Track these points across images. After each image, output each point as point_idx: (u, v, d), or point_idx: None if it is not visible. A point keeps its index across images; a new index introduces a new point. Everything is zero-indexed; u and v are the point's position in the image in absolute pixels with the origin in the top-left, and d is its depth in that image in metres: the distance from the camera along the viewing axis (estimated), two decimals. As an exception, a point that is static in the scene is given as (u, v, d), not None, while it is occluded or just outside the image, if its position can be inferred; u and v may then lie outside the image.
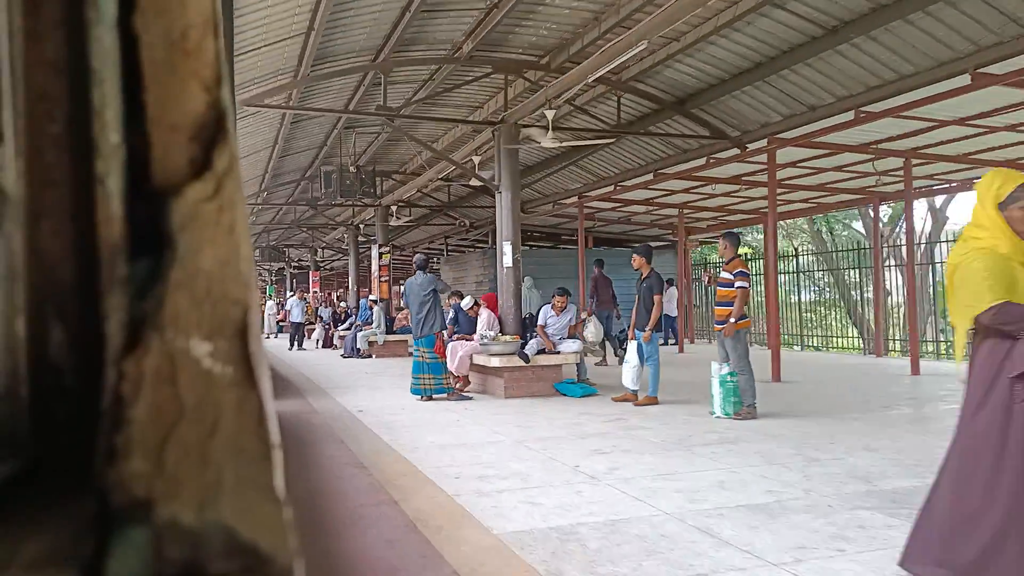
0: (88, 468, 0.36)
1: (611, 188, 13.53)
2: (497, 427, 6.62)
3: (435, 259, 23.83)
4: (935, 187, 13.19)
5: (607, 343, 11.60)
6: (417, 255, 9.41)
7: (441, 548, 3.40)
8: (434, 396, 8.46)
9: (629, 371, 7.69)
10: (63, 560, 0.34)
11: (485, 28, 8.74)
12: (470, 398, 8.68)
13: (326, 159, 14.85)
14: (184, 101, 0.37)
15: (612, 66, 7.39)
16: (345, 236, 21.26)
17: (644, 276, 7.73)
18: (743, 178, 11.72)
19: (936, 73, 7.33)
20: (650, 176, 12.23)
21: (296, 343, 18.33)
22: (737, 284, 6.76)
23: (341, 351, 16.06)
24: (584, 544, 3.43)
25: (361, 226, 19.43)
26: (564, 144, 9.89)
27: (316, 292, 25.30)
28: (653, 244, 11.79)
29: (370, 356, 14.75)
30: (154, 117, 0.37)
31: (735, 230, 10.50)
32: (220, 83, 0.37)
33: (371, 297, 16.21)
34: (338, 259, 28.12)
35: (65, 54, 0.38)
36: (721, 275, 7.00)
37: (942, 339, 15.21)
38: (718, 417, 6.73)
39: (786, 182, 12.09)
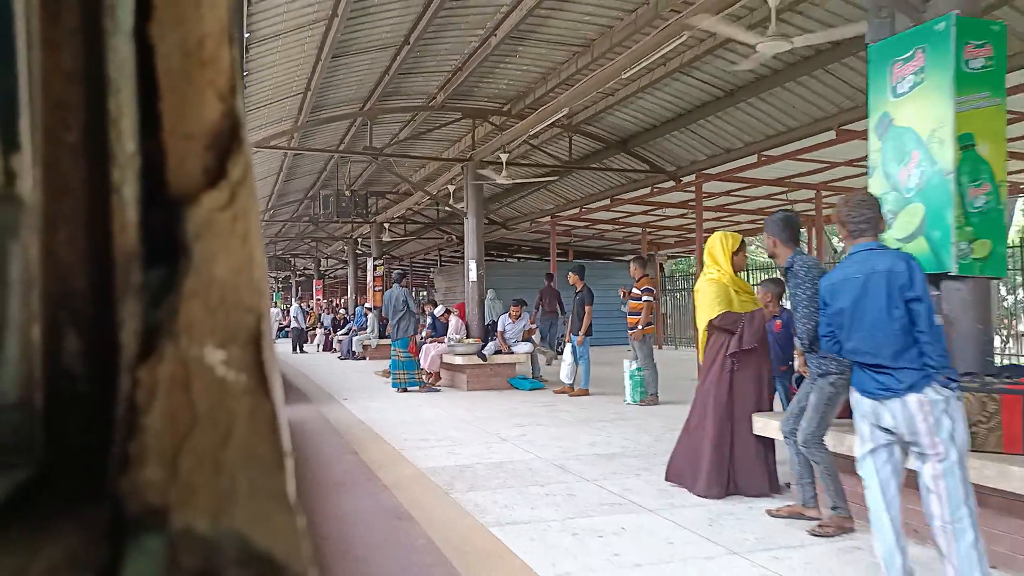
0: (103, 475, 0.36)
1: (577, 210, 15.72)
2: (450, 410, 8.13)
3: (431, 269, 25.70)
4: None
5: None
6: (395, 271, 11.18)
7: (379, 473, 5.20)
8: (408, 388, 9.94)
9: (565, 368, 9.16)
10: (78, 567, 0.34)
11: (454, 83, 10.53)
12: (438, 391, 10.10)
13: (325, 183, 16.73)
14: (199, 110, 0.37)
15: (554, 119, 9.19)
16: (345, 248, 23.01)
17: (578, 291, 9.14)
18: (688, 203, 13.80)
19: (811, 128, 9.31)
20: (607, 201, 14.56)
21: (298, 347, 19.75)
22: (644, 299, 8.25)
23: (339, 353, 17.37)
24: (475, 473, 5.08)
25: (359, 240, 20.91)
26: (516, 180, 12.22)
27: (319, 300, 27.09)
28: (628, 258, 15.20)
29: (364, 358, 16.05)
30: (169, 126, 0.37)
31: (644, 255, 14.16)
32: (235, 92, 0.38)
33: (366, 305, 17.67)
34: (340, 268, 29.58)
35: (82, 63, 0.38)
36: (632, 291, 8.47)
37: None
38: (628, 404, 8.26)
39: (726, 207, 14.72)
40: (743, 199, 14.04)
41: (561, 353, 9.78)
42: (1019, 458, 3.16)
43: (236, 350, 0.36)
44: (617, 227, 17.95)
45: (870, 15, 4.26)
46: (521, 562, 3.36)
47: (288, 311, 24.06)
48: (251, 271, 0.37)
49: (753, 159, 10.60)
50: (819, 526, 3.68)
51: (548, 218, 16.66)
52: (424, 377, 10.22)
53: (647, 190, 13.41)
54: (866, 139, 3.88)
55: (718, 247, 4.62)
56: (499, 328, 10.52)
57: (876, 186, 3.98)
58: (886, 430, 2.76)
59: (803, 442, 3.74)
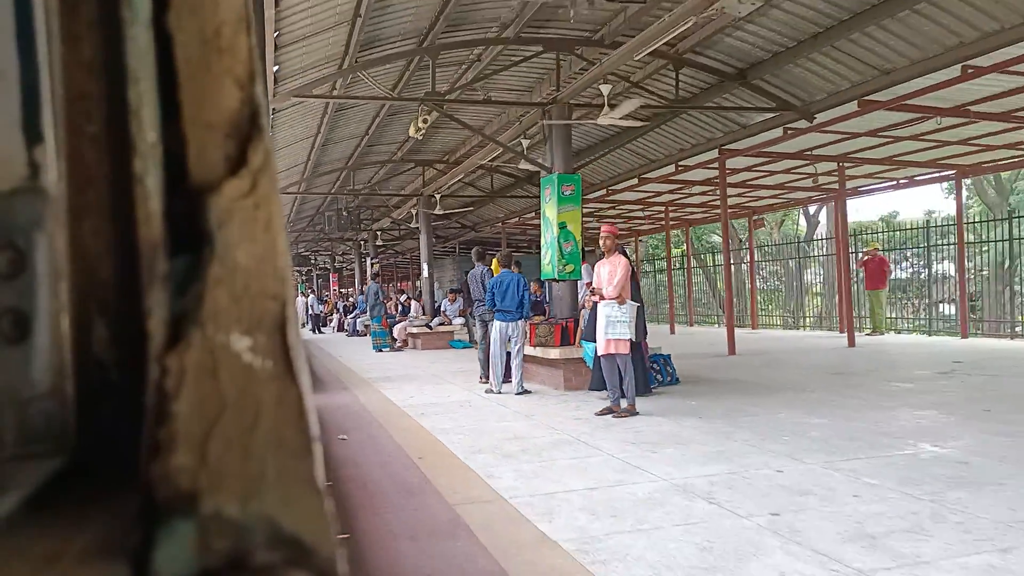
0: (133, 462, 0.36)
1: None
2: (405, 360, 13.57)
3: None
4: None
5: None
6: (373, 268, 19.01)
7: (354, 391, 9.07)
8: (382, 350, 15.87)
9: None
10: (111, 552, 0.34)
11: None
12: (401, 351, 16.02)
13: (330, 205, 21.35)
14: (219, 98, 0.37)
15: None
16: (351, 249, 28.91)
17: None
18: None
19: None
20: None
21: (317, 329, 26.26)
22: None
23: (347, 332, 22.98)
24: (404, 378, 10.21)
25: (362, 242, 25.96)
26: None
27: (336, 290, 33.23)
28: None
29: (365, 335, 20.15)
30: (190, 115, 0.37)
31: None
32: (254, 80, 0.38)
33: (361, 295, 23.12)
34: (353, 263, 33.65)
35: (102, 54, 0.39)
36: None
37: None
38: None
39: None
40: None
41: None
42: (555, 348, 8.65)
43: (262, 337, 0.36)
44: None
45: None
46: (409, 417, 7.27)
47: (308, 301, 28.69)
48: (274, 258, 0.37)
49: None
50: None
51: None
52: (391, 342, 16.24)
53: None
54: None
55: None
56: (442, 308, 16.79)
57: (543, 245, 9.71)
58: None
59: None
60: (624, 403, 6.66)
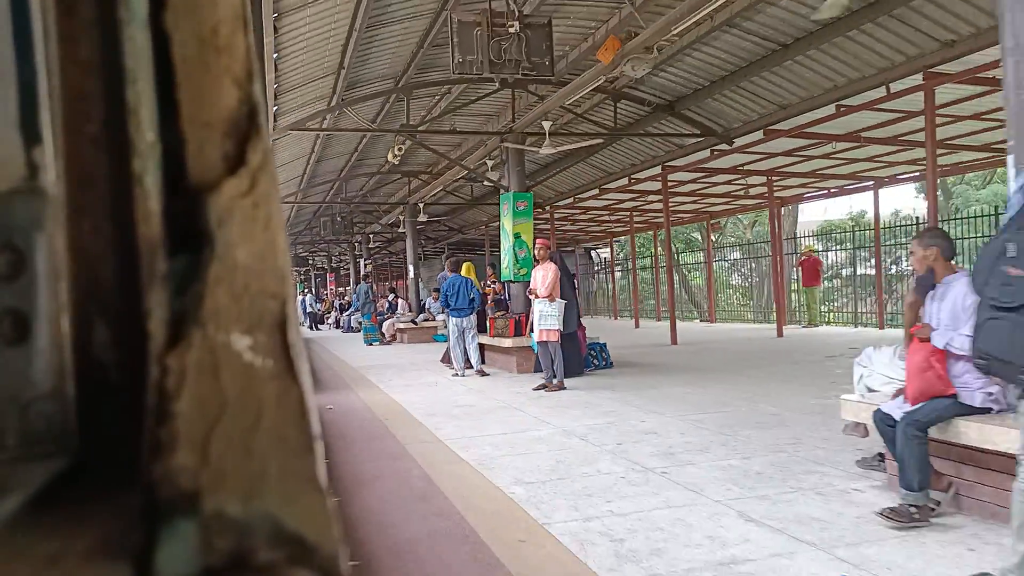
0: (135, 462, 0.36)
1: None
2: (391, 352, 15.33)
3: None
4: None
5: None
6: (364, 270, 21.52)
7: (348, 382, 10.14)
8: (372, 344, 17.50)
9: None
10: (113, 552, 0.34)
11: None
12: (389, 344, 17.60)
13: (325, 212, 23.63)
14: (217, 97, 0.37)
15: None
16: (347, 251, 31.43)
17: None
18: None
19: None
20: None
21: (314, 326, 28.09)
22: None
23: (342, 328, 24.38)
24: (389, 368, 11.64)
25: (356, 244, 27.97)
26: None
27: (332, 289, 34.98)
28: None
29: (358, 331, 21.29)
30: (188, 114, 0.37)
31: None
32: (252, 79, 0.38)
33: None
34: (348, 264, 36.27)
35: (99, 54, 0.38)
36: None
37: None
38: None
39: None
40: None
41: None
42: (509, 338, 10.17)
43: (262, 336, 0.36)
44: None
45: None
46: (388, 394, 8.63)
47: (305, 299, 30.38)
48: (274, 257, 0.37)
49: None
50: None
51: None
52: (379, 336, 17.90)
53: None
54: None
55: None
56: (427, 307, 18.38)
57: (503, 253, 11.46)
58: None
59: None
60: (555, 380, 8.38)
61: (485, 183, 15.05)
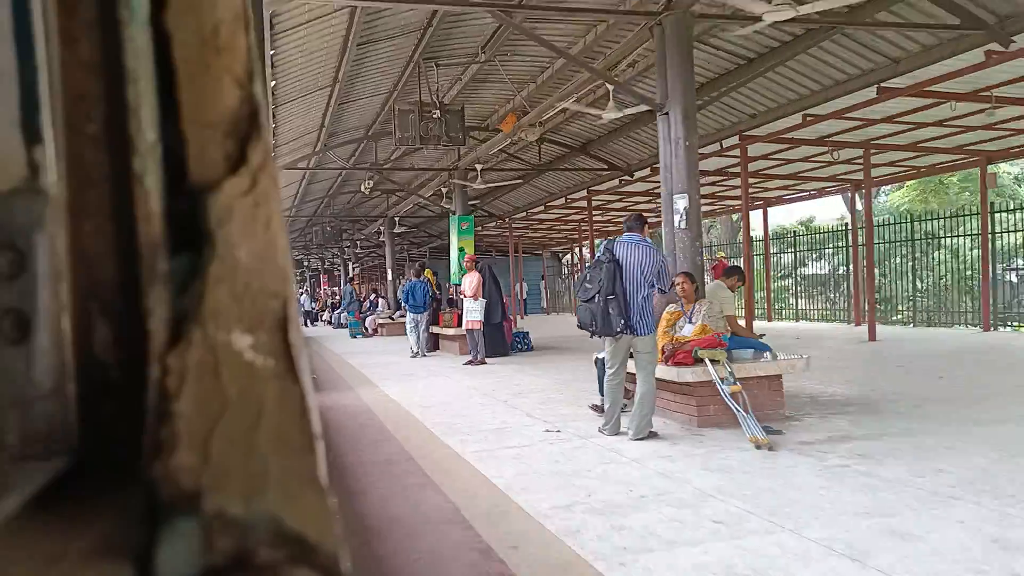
0: (135, 462, 0.36)
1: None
2: (369, 343, 18.07)
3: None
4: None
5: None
6: (351, 274, 30.70)
7: (336, 369, 11.95)
8: (356, 336, 20.38)
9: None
10: (115, 552, 0.34)
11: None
12: (371, 337, 20.17)
13: (317, 219, 26.75)
14: (218, 97, 0.37)
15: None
16: (337, 255, 35.48)
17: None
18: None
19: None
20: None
21: (308, 323, 30.00)
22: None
23: (332, 325, 26.63)
24: (372, 364, 12.31)
25: (344, 249, 31.76)
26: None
27: (326, 289, 39.10)
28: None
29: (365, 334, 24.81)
30: (189, 114, 0.37)
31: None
32: (253, 78, 0.38)
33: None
34: (339, 266, 40.55)
35: (100, 54, 0.38)
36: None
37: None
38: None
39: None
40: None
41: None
42: (452, 328, 13.55)
43: (263, 335, 0.36)
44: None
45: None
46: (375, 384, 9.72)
47: (300, 299, 32.86)
48: (275, 256, 0.37)
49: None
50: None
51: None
52: (362, 330, 20.81)
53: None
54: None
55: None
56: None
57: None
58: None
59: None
60: (479, 357, 11.32)
61: (442, 206, 18.56)
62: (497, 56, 10.66)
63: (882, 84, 9.10)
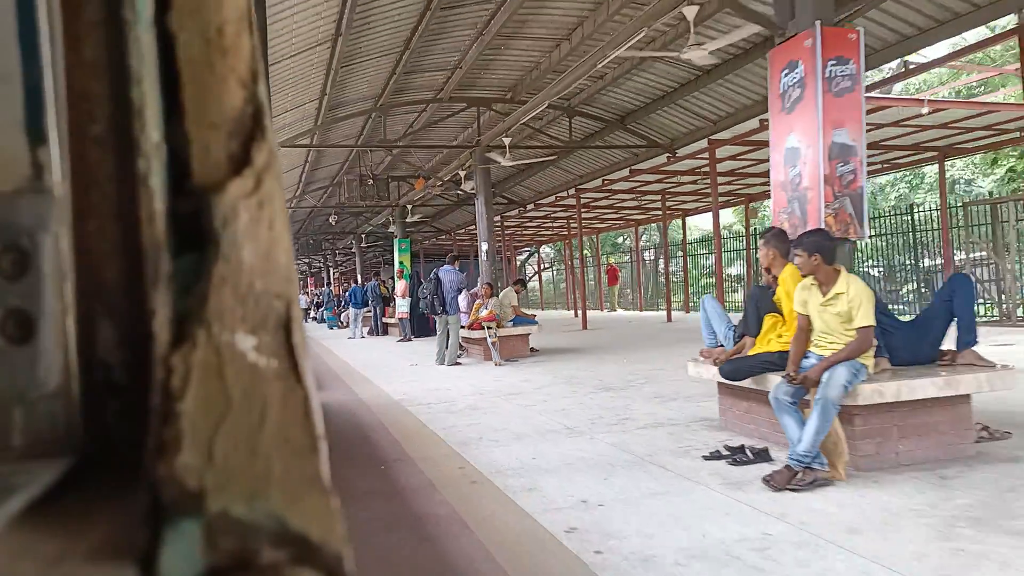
0: (139, 462, 0.36)
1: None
2: (343, 332, 22.20)
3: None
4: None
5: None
6: (332, 277, 37.85)
7: (326, 359, 13.36)
8: (332, 328, 23.85)
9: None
10: (118, 552, 0.34)
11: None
12: (344, 328, 22.61)
13: (304, 233, 30.17)
14: (222, 98, 0.37)
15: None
16: (320, 261, 39.80)
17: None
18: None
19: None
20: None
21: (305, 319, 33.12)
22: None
23: (317, 320, 29.84)
24: (358, 356, 13.50)
25: (326, 257, 36.16)
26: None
27: (311, 291, 41.36)
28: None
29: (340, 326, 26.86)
30: (193, 115, 0.37)
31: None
32: (256, 79, 0.38)
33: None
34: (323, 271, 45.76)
35: (104, 55, 0.39)
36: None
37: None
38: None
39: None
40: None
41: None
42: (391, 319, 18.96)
43: (267, 336, 0.36)
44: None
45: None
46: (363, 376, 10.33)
47: None
48: (278, 257, 0.37)
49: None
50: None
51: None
52: (339, 323, 23.86)
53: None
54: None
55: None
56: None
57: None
58: None
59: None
60: (407, 334, 16.16)
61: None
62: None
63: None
